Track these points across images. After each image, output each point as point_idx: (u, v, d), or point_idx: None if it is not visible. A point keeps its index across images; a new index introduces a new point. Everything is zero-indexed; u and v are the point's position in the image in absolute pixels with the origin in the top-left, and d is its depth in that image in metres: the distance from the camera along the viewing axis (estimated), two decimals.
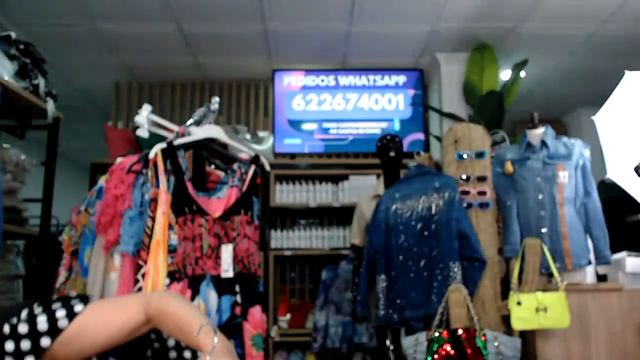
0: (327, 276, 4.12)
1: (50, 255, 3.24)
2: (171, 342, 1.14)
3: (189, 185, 1.76)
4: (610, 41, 4.32)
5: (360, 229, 3.43)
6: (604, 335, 2.62)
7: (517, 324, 2.48)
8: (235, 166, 1.90)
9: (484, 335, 2.36)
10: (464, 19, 4.09)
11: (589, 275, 2.88)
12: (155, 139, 2.18)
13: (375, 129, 4.88)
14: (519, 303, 2.47)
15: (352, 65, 4.91)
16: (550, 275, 2.62)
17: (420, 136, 4.87)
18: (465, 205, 2.65)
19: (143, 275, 1.71)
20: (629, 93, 2.81)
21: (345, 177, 4.53)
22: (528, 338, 2.59)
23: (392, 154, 3.26)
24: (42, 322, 1.01)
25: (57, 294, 2.26)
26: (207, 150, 1.94)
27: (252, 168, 1.91)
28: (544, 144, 2.86)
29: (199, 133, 1.89)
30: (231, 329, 1.64)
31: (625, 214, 3.56)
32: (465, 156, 2.75)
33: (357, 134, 4.89)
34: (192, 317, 1.06)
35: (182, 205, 1.73)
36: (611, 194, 3.51)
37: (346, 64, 4.91)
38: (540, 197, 2.81)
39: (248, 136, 4.74)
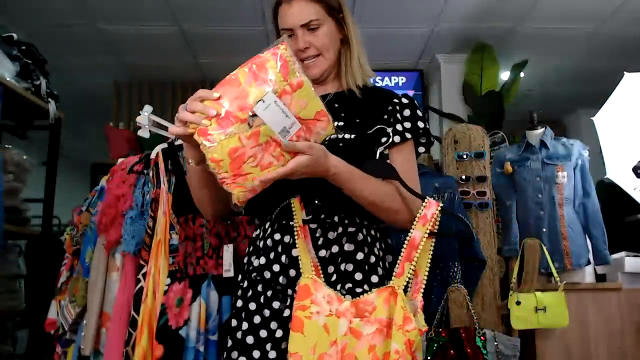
0: None
1: (52, 255, 3.25)
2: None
3: None
4: (609, 41, 4.32)
5: None
6: (603, 334, 2.63)
7: (517, 324, 2.49)
8: None
9: (484, 334, 2.37)
10: (464, 20, 4.10)
11: (588, 275, 2.89)
12: (156, 139, 2.18)
13: None
14: (518, 303, 2.48)
15: None
16: (550, 275, 2.63)
17: None
18: (464, 205, 2.66)
19: (144, 275, 1.73)
20: (628, 94, 2.82)
21: None
22: (527, 337, 2.60)
23: None
24: None
25: (58, 294, 2.28)
26: None
27: None
28: (543, 144, 2.87)
29: None
30: None
31: (624, 214, 3.57)
32: (464, 156, 2.76)
33: None
34: None
35: (183, 205, 1.74)
36: (610, 194, 3.52)
37: None
38: (539, 197, 2.82)
39: None
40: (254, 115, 1.04)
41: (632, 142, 2.74)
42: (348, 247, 1.25)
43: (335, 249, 1.25)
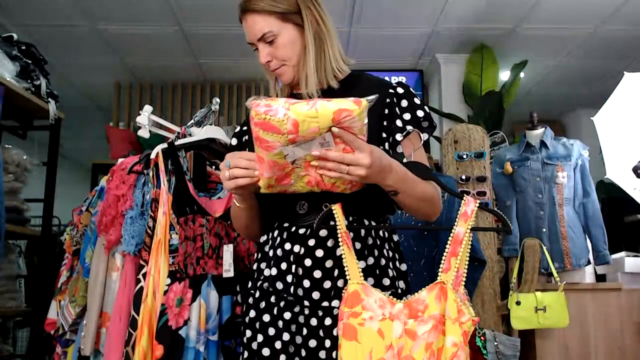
0: None
1: (52, 255, 3.26)
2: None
3: (190, 186, 1.78)
4: (609, 42, 4.32)
5: None
6: (602, 334, 2.63)
7: (517, 324, 2.49)
8: None
9: (484, 335, 2.37)
10: (464, 21, 4.10)
11: (588, 275, 2.89)
12: (156, 139, 2.19)
13: None
14: (518, 303, 2.48)
15: (352, 66, 4.90)
16: (550, 275, 2.63)
17: None
18: None
19: (144, 275, 1.73)
20: (628, 94, 2.82)
21: None
22: (527, 337, 2.60)
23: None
24: None
25: (58, 294, 2.28)
26: (208, 150, 1.95)
27: None
28: (543, 144, 2.87)
29: (200, 134, 1.91)
30: (232, 328, 1.65)
31: (624, 214, 3.57)
32: (464, 156, 2.77)
33: None
34: None
35: (183, 206, 1.74)
36: (610, 194, 3.52)
37: None
38: (539, 197, 2.82)
39: None
40: (294, 161, 1.09)
41: (632, 142, 2.74)
42: (361, 251, 1.24)
43: None
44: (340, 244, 1.16)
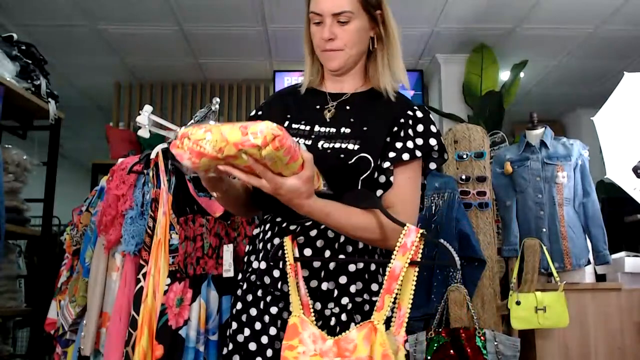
0: None
1: (52, 255, 3.26)
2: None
3: (190, 186, 1.78)
4: (609, 42, 4.32)
5: None
6: (602, 334, 2.63)
7: (517, 324, 2.49)
8: None
9: (484, 335, 2.37)
10: (464, 21, 4.11)
11: (588, 275, 2.89)
12: (156, 139, 2.19)
13: None
14: (518, 303, 2.48)
15: None
16: (550, 275, 2.63)
17: None
18: (464, 205, 2.66)
19: (144, 275, 1.73)
20: (628, 94, 2.82)
21: None
22: (527, 337, 2.60)
23: None
24: None
25: (58, 294, 2.28)
26: None
27: None
28: (543, 144, 2.87)
29: None
30: None
31: (624, 214, 3.57)
32: (464, 156, 2.77)
33: None
34: None
35: (183, 205, 1.74)
36: (610, 194, 3.52)
37: None
38: (539, 197, 2.82)
39: None
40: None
41: (632, 142, 2.74)
42: (352, 254, 1.23)
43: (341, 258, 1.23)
44: (288, 275, 1.16)
